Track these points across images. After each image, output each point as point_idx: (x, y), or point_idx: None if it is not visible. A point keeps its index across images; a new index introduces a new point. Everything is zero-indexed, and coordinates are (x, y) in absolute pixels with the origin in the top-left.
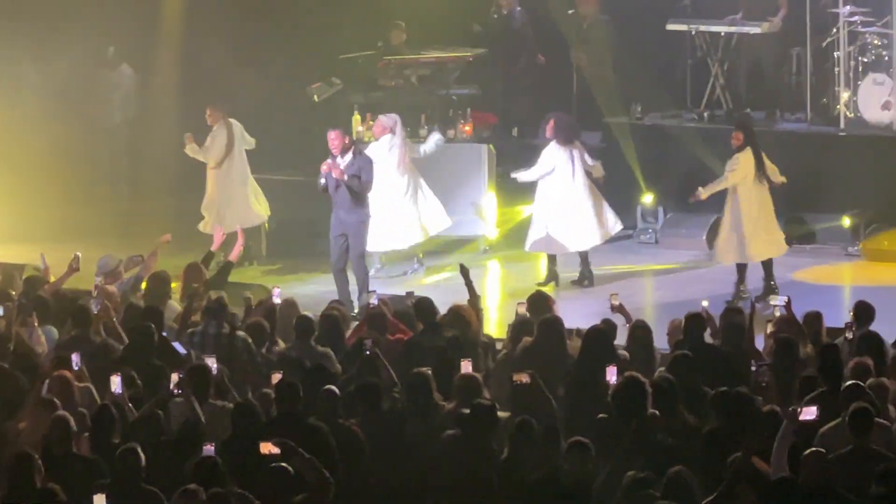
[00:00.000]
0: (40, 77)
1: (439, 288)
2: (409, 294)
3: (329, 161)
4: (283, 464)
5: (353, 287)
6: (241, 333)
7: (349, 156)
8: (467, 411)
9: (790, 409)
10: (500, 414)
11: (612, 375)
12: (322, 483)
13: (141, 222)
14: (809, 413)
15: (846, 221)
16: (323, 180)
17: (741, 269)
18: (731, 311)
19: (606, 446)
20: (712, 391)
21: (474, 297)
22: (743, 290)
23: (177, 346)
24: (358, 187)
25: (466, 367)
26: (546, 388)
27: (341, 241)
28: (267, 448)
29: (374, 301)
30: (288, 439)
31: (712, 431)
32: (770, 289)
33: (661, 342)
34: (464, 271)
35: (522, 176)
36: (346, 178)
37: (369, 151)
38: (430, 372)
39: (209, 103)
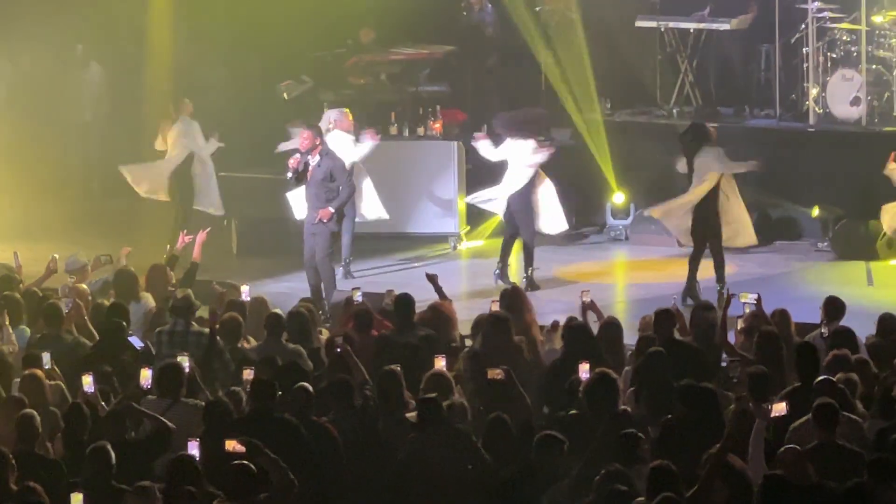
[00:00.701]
0: (9, 73)
1: (409, 286)
2: (389, 292)
3: (296, 157)
4: (246, 462)
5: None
6: (206, 330)
7: (317, 157)
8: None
9: (762, 406)
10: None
11: (583, 372)
12: (285, 483)
13: (112, 221)
14: (780, 410)
15: (815, 211)
16: (290, 174)
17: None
18: (701, 307)
19: (579, 442)
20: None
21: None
22: (721, 286)
23: (133, 339)
24: (343, 203)
25: (440, 364)
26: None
27: (313, 240)
28: (231, 445)
29: (358, 298)
30: (261, 436)
31: (668, 421)
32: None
33: (632, 339)
34: (431, 278)
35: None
36: (331, 219)
37: (336, 144)
38: (399, 369)
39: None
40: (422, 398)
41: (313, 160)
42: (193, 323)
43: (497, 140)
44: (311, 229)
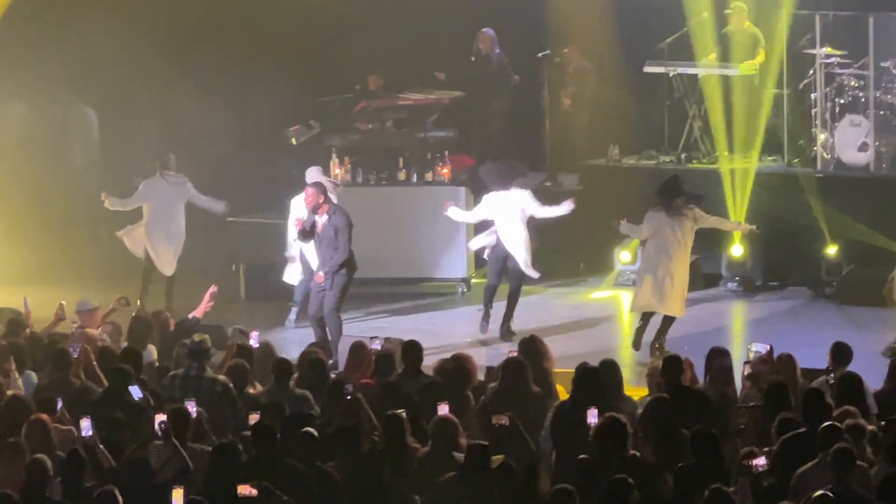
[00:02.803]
0: (25, 115)
1: (417, 332)
2: (387, 339)
3: (300, 218)
4: None
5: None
6: (221, 377)
7: (325, 216)
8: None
9: (742, 462)
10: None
11: (592, 417)
12: None
13: (119, 265)
14: (760, 462)
15: (831, 250)
16: (296, 234)
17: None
18: (716, 352)
19: (588, 487)
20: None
21: None
22: None
23: (133, 390)
24: (340, 261)
25: (443, 410)
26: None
27: (321, 295)
28: (245, 490)
29: (376, 346)
30: (265, 481)
31: (682, 468)
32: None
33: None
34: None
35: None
36: (328, 281)
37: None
38: (404, 414)
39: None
40: (474, 443)
41: (321, 219)
42: (208, 368)
43: (479, 194)
44: (320, 286)
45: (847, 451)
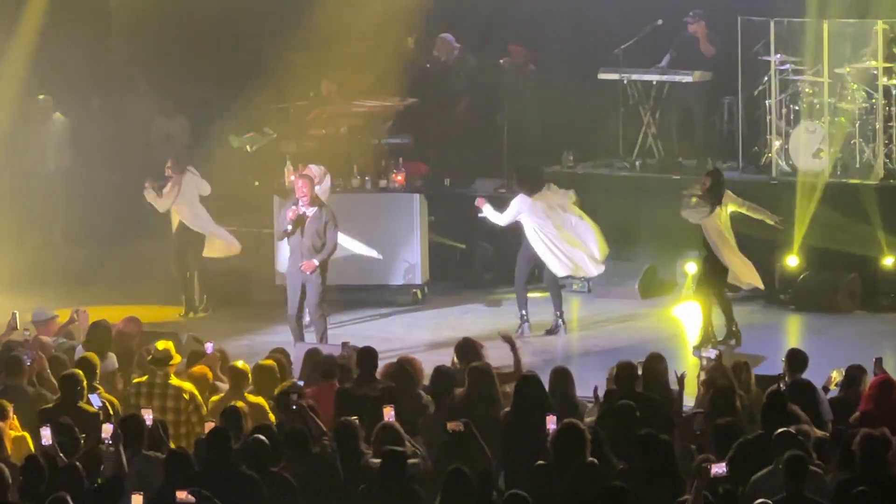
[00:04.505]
0: None
1: (372, 339)
2: (344, 344)
3: (293, 207)
4: None
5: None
6: (187, 384)
7: (313, 208)
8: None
9: (701, 465)
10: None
11: (551, 423)
12: None
13: (74, 271)
14: (720, 468)
15: (790, 260)
16: (289, 226)
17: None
18: (653, 358)
19: (544, 494)
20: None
21: (518, 366)
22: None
23: (93, 398)
24: (327, 256)
25: (389, 414)
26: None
27: (300, 290)
28: (182, 496)
29: (334, 352)
30: (219, 488)
31: (624, 471)
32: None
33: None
34: (508, 339)
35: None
36: (314, 271)
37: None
38: (356, 420)
39: (170, 156)
40: (389, 450)
41: (309, 210)
42: (173, 376)
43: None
44: (301, 278)
45: (799, 459)
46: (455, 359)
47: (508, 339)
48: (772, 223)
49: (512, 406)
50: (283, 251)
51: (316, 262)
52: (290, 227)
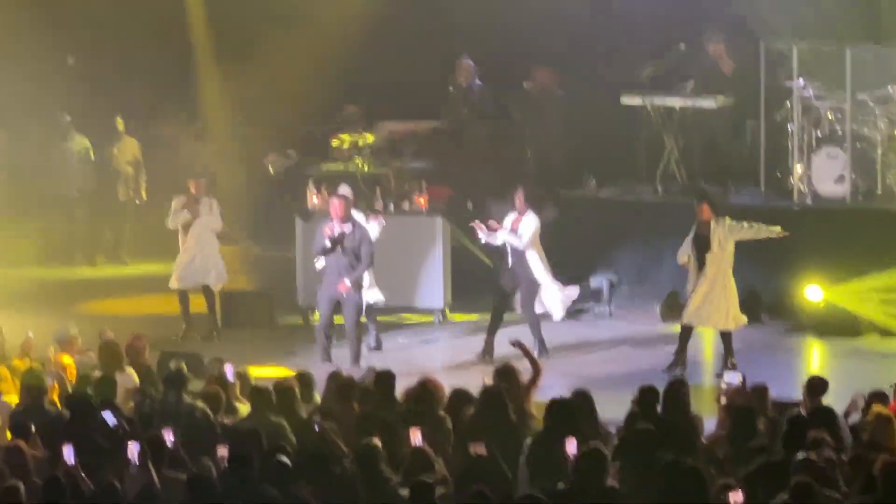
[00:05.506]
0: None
1: (393, 361)
2: (370, 369)
3: (330, 224)
4: None
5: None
6: (200, 404)
7: (349, 225)
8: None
9: (721, 494)
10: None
11: (571, 447)
12: None
13: (98, 292)
14: (737, 497)
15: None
16: (328, 243)
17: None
18: (675, 383)
19: None
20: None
21: (535, 366)
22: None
23: (107, 415)
24: (363, 271)
25: (416, 436)
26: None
27: (333, 305)
28: None
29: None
30: None
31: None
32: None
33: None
34: (518, 344)
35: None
36: (351, 287)
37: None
38: (378, 443)
39: (190, 177)
40: (418, 481)
41: (347, 228)
42: (185, 395)
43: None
44: (337, 296)
45: (806, 486)
46: (491, 381)
47: (519, 345)
48: (775, 236)
49: (543, 428)
50: (305, 271)
51: (348, 282)
52: (328, 244)
